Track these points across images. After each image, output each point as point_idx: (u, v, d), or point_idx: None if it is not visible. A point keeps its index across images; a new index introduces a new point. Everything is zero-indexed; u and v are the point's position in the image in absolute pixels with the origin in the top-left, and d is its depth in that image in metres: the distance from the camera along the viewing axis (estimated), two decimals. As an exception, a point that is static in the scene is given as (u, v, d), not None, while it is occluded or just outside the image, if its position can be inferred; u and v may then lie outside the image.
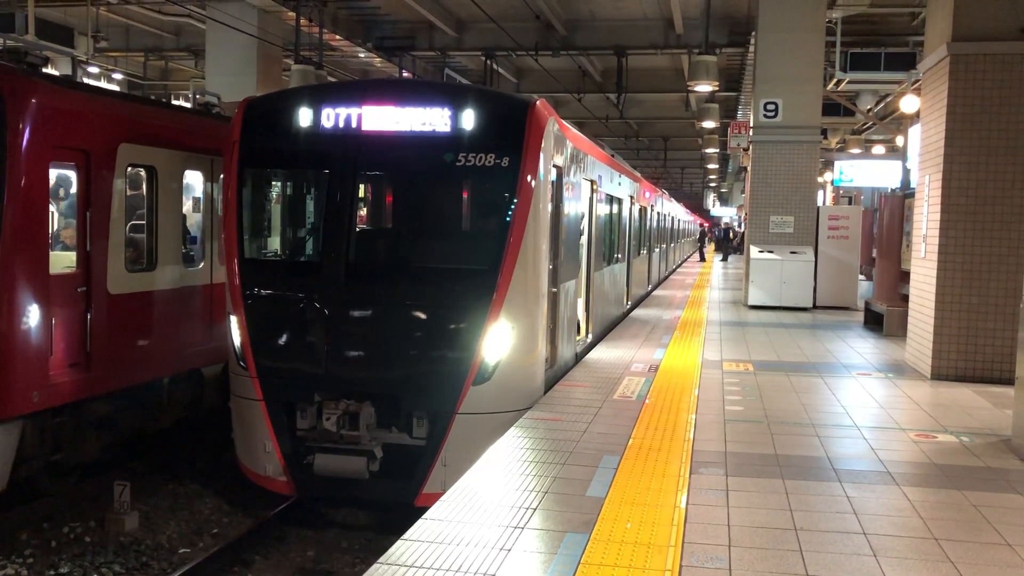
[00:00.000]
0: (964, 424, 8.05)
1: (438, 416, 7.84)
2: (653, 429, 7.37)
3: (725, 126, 31.22)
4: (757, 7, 18.29)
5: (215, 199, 10.49)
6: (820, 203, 26.42)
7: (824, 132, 26.37)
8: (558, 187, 9.00)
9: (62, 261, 8.38)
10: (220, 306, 10.17)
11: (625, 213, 15.79)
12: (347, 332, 8.01)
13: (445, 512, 5.24)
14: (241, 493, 8.98)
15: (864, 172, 26.83)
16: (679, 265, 38.51)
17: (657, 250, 24.15)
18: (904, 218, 15.10)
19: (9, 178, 7.53)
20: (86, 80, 17.01)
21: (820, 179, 27.72)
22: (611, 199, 13.87)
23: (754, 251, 18.36)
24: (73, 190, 8.57)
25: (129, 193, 9.17)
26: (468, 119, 8.04)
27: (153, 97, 22.06)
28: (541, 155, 8.11)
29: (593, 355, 11.26)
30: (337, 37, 21.43)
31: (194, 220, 10.56)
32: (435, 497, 5.68)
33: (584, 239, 11.35)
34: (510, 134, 8.06)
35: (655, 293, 22.09)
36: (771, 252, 18.19)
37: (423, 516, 5.17)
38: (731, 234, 49.77)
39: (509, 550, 4.70)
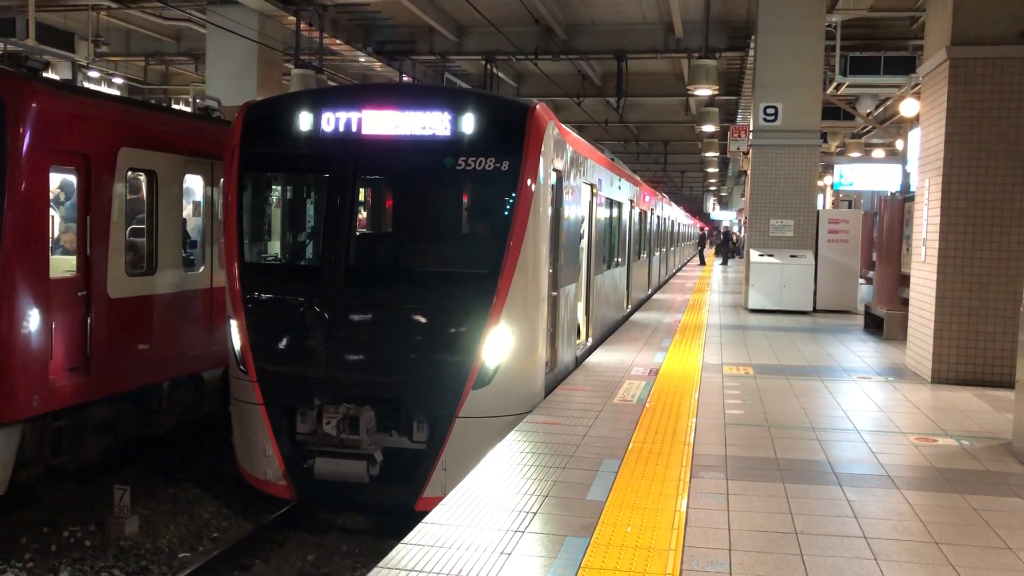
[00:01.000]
0: (964, 428, 8.05)
1: (438, 420, 7.83)
2: (653, 433, 7.37)
3: (725, 130, 31.24)
4: (757, 11, 18.32)
5: (215, 203, 10.50)
6: (820, 207, 26.42)
7: (824, 136, 26.43)
8: (558, 191, 9.00)
9: (62, 265, 8.39)
10: (220, 310, 10.18)
11: (625, 217, 15.80)
12: (347, 336, 8.01)
13: (445, 516, 5.24)
14: (241, 497, 8.98)
15: (864, 176, 26.86)
16: (679, 269, 38.52)
17: (657, 254, 24.17)
18: (904, 222, 15.09)
19: (9, 182, 7.54)
20: (86, 84, 17.04)
21: (820, 183, 27.74)
22: (611, 203, 13.87)
23: (754, 255, 18.37)
24: (73, 194, 8.58)
25: (129, 197, 9.17)
26: (468, 123, 8.05)
27: (153, 101, 22.08)
28: (541, 159, 8.12)
29: (593, 359, 11.26)
30: (337, 41, 21.45)
31: (194, 224, 10.56)
32: (435, 501, 5.68)
33: (584, 243, 11.35)
34: (510, 138, 8.07)
35: (655, 297, 22.09)
36: (771, 256, 18.19)
37: (423, 520, 5.17)
38: (732, 238, 49.78)
39: (509, 554, 4.70)
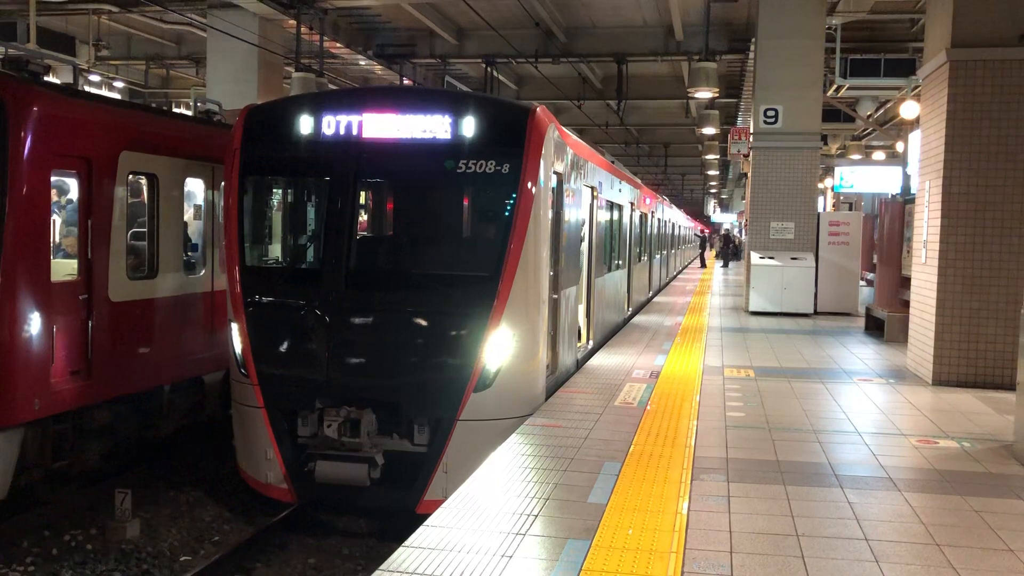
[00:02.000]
0: (966, 430, 8.05)
1: (439, 423, 7.84)
2: (654, 435, 7.37)
3: (725, 132, 31.27)
4: (757, 13, 18.33)
5: (216, 207, 10.51)
6: (820, 209, 26.44)
7: (824, 138, 26.45)
8: (559, 193, 9.01)
9: (64, 269, 8.39)
10: (221, 313, 10.18)
11: (626, 219, 15.80)
12: (348, 339, 8.01)
13: (446, 519, 5.24)
14: (242, 500, 8.97)
15: (864, 178, 26.87)
16: (680, 271, 38.52)
17: (658, 256, 24.17)
18: (905, 224, 15.10)
19: (11, 186, 7.55)
20: (87, 88, 17.06)
21: (820, 185, 27.74)
22: (612, 205, 13.88)
23: (755, 257, 18.37)
24: (75, 198, 8.58)
25: (130, 201, 9.18)
26: (468, 126, 8.06)
27: (154, 105, 22.10)
28: (541, 162, 8.12)
29: (594, 361, 11.26)
30: (338, 45, 21.47)
31: (195, 227, 10.57)
32: (436, 504, 5.69)
33: (585, 245, 11.35)
34: (510, 141, 8.08)
35: (656, 299, 22.09)
36: (772, 258, 18.20)
37: (424, 523, 5.17)
38: (735, 240, 49.78)
39: (511, 557, 4.70)
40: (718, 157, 37.93)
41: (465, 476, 6.25)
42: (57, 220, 8.63)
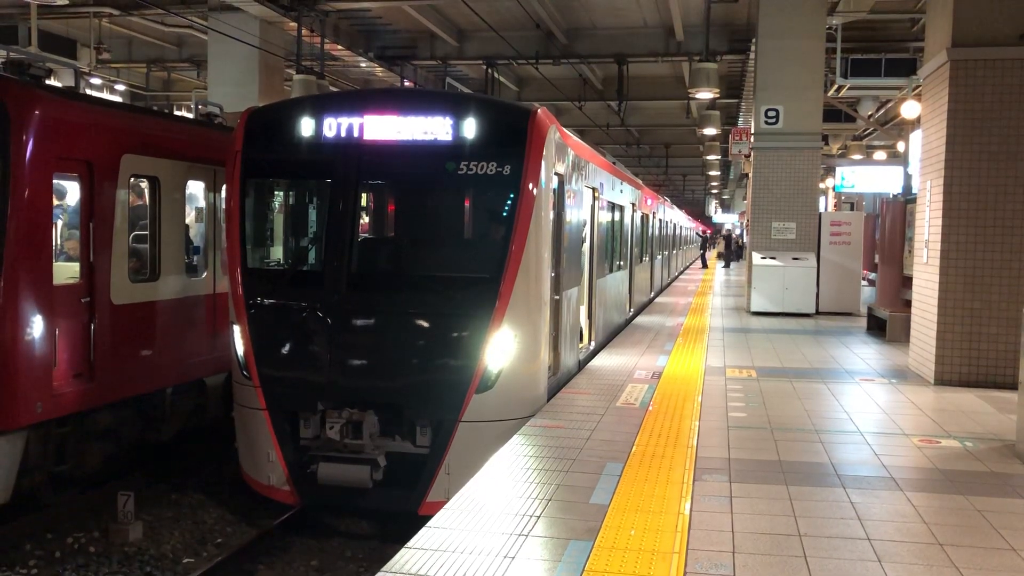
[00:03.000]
0: (968, 429, 8.05)
1: (441, 424, 7.84)
2: (657, 436, 7.37)
3: (726, 133, 31.26)
4: (757, 14, 18.33)
5: (218, 209, 10.52)
6: (822, 209, 26.42)
7: (825, 138, 26.42)
8: (560, 195, 9.02)
9: (65, 272, 8.40)
10: (223, 316, 10.19)
11: (627, 220, 15.80)
12: (350, 341, 8.02)
13: (449, 520, 5.25)
14: (244, 503, 8.97)
15: (865, 178, 26.87)
16: (682, 272, 38.51)
17: (659, 257, 24.17)
18: (906, 223, 15.09)
19: (13, 189, 7.56)
20: (89, 92, 17.07)
21: (822, 185, 27.71)
22: (613, 206, 13.88)
23: (756, 257, 18.37)
24: (76, 201, 8.59)
25: (132, 204, 9.19)
26: (469, 128, 8.06)
27: (155, 108, 22.12)
28: (543, 163, 8.13)
29: (596, 362, 11.26)
30: (338, 47, 21.47)
31: (197, 230, 10.58)
32: (439, 505, 5.69)
33: (586, 246, 11.36)
34: (511, 142, 8.09)
35: (658, 300, 22.09)
36: (773, 258, 18.19)
37: (427, 524, 5.17)
38: (737, 241, 49.76)
39: (513, 558, 4.70)
40: (719, 158, 37.90)
41: (467, 477, 6.26)
42: (59, 223, 8.64)
